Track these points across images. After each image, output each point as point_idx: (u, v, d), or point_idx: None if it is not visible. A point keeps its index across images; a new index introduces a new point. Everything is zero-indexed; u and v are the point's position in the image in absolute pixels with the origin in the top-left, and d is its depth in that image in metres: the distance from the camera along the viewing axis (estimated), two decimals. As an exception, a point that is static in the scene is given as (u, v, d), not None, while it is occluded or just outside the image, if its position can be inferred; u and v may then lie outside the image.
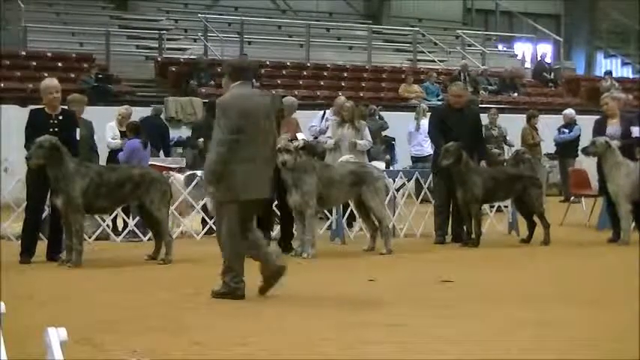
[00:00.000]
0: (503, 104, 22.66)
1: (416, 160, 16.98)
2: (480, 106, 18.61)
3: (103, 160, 12.82)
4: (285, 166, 10.01)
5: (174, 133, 18.39)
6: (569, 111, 19.19)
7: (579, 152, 14.43)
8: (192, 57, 22.46)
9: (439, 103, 20.35)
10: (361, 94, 21.68)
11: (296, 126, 10.85)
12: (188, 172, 12.94)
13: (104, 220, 11.70)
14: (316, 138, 13.79)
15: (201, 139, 12.67)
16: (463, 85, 12.73)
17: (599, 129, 12.06)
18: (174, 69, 21.75)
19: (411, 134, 17.55)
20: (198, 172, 12.65)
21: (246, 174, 7.18)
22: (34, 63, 20.10)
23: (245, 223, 7.31)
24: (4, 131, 16.13)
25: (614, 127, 12.08)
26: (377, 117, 16.76)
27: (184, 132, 18.53)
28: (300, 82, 22.38)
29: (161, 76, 22.02)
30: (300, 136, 10.55)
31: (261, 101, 7.49)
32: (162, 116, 18.08)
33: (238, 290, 7.28)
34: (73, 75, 19.74)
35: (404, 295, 7.66)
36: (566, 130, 18.56)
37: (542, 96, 25.14)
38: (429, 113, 15.54)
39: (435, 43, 26.78)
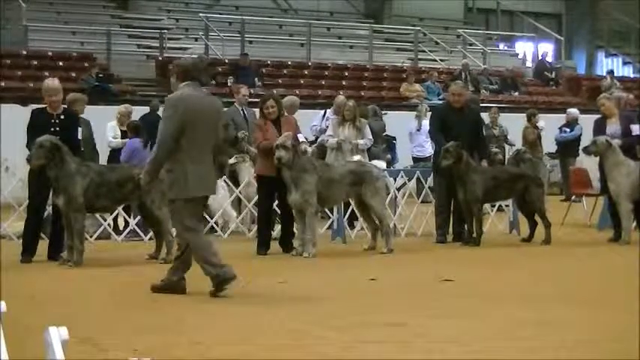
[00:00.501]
0: (504, 103, 22.67)
1: (417, 160, 17.00)
2: (481, 105, 18.61)
3: (103, 160, 12.83)
4: (281, 162, 10.02)
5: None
6: (572, 110, 19.18)
7: (580, 151, 14.42)
8: (192, 56, 22.44)
9: (440, 102, 20.34)
10: (362, 94, 21.69)
11: (295, 125, 10.85)
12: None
13: (105, 220, 11.70)
14: (317, 137, 13.79)
15: None
16: (463, 84, 12.73)
17: (599, 129, 12.06)
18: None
19: (411, 135, 17.56)
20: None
21: (195, 172, 7.35)
22: (35, 62, 20.12)
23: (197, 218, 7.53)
24: (4, 131, 16.11)
25: (613, 126, 12.08)
26: (380, 117, 16.75)
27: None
28: (301, 82, 22.37)
29: (162, 76, 21.97)
30: (300, 137, 10.55)
31: (209, 102, 7.67)
32: (160, 112, 18.02)
33: (180, 285, 7.49)
34: (73, 74, 19.75)
35: (404, 295, 7.67)
36: (568, 130, 18.55)
37: (543, 95, 25.14)
38: (430, 113, 15.56)
39: (436, 43, 26.78)
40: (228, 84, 20.17)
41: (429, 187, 12.57)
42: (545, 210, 11.66)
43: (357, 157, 11.97)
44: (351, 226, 12.46)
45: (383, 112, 16.82)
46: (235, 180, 12.57)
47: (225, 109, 13.10)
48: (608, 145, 11.46)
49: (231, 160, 12.52)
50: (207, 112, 7.51)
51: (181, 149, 7.33)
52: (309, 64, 23.54)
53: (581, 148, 14.45)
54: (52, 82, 9.88)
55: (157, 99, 18.36)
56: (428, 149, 16.33)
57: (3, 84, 18.99)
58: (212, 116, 7.56)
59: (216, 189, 8.02)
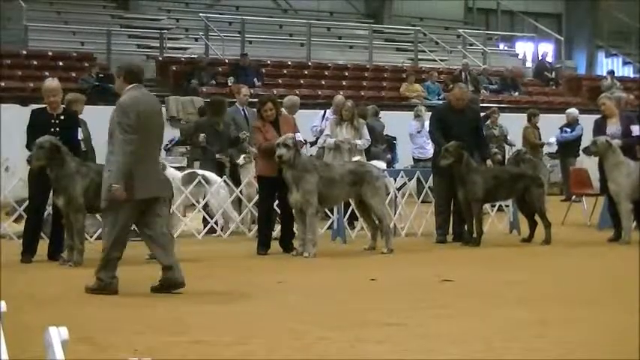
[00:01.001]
0: (504, 103, 22.68)
1: (418, 161, 16.99)
2: (481, 105, 18.62)
3: (102, 160, 12.80)
4: (282, 160, 10.03)
5: (176, 133, 18.39)
6: (572, 110, 19.18)
7: (581, 152, 14.42)
8: (193, 56, 22.46)
9: (440, 102, 20.35)
10: (362, 94, 21.69)
11: (294, 125, 10.87)
12: (188, 171, 12.93)
13: (105, 220, 11.68)
14: (317, 138, 13.79)
15: (203, 135, 12.65)
16: (466, 87, 12.71)
17: (599, 129, 12.07)
18: (175, 68, 21.75)
19: (412, 136, 17.55)
20: (199, 171, 12.66)
21: (144, 173, 7.45)
22: (35, 62, 20.12)
23: (145, 219, 7.60)
24: (4, 131, 16.13)
25: (613, 126, 12.08)
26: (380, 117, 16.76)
27: (185, 132, 18.53)
28: (301, 82, 22.37)
29: (162, 76, 22.02)
30: (298, 136, 10.55)
31: (154, 103, 7.87)
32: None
33: (112, 285, 7.52)
34: (73, 74, 19.75)
35: (404, 295, 7.66)
36: (568, 130, 18.55)
37: (543, 95, 25.14)
38: (428, 113, 15.57)
39: (436, 43, 26.78)
40: (229, 84, 20.18)
41: (429, 187, 12.56)
42: (545, 210, 11.66)
43: (356, 158, 11.98)
44: (351, 226, 12.46)
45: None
46: (238, 180, 12.56)
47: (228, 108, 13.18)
48: (608, 146, 11.46)
49: (240, 161, 12.51)
50: (156, 114, 7.74)
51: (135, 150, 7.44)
52: (309, 64, 23.55)
53: (581, 148, 14.45)
54: (52, 82, 9.88)
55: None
56: (429, 150, 16.33)
57: (3, 84, 18.99)
58: (159, 117, 7.80)
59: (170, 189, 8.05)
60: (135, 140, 7.38)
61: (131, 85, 7.66)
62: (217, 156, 12.70)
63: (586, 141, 13.46)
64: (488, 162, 11.84)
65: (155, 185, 7.61)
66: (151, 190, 7.54)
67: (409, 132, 17.61)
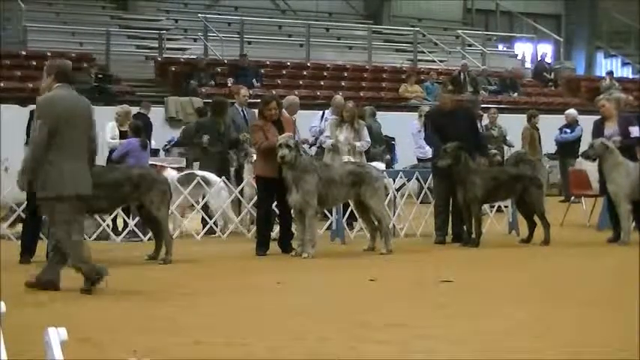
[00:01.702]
0: (504, 104, 22.68)
1: (420, 161, 16.95)
2: (481, 106, 18.64)
3: (102, 160, 12.81)
4: (284, 161, 10.02)
5: (175, 133, 18.39)
6: (572, 111, 19.19)
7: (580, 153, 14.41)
8: (192, 57, 22.46)
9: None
10: (361, 94, 21.69)
11: (294, 125, 10.86)
12: (186, 172, 12.92)
13: (104, 220, 11.69)
14: (316, 139, 13.78)
15: (207, 136, 12.64)
16: (451, 90, 12.68)
17: (598, 131, 12.08)
18: (174, 69, 21.76)
19: (413, 135, 17.53)
20: (197, 172, 12.66)
21: (68, 171, 7.50)
22: (34, 63, 20.09)
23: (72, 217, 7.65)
24: (4, 131, 16.12)
25: (611, 128, 12.08)
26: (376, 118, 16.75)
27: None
28: (300, 82, 22.38)
29: (161, 76, 22.03)
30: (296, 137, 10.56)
31: (81, 103, 7.85)
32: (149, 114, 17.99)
33: (53, 282, 7.65)
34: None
35: (404, 295, 7.66)
36: (568, 130, 18.55)
37: (542, 96, 25.15)
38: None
39: (435, 43, 26.78)
40: (228, 85, 20.18)
41: (429, 188, 12.56)
42: (544, 211, 11.66)
43: (347, 157, 11.91)
44: (350, 226, 12.45)
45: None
46: (242, 181, 12.55)
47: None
48: (605, 147, 11.47)
49: (248, 160, 12.42)
50: (80, 113, 7.73)
51: (55, 149, 7.47)
52: (308, 64, 23.55)
53: (581, 149, 14.45)
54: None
55: (146, 99, 18.42)
56: (429, 150, 16.30)
57: (2, 84, 18.99)
58: (85, 116, 7.78)
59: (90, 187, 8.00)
60: (49, 139, 7.43)
61: (58, 84, 7.70)
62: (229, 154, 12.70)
63: (585, 142, 13.46)
64: (483, 159, 11.82)
65: (81, 183, 7.63)
66: (76, 188, 7.57)
67: (411, 132, 17.61)
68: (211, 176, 12.32)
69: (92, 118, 7.91)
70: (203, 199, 12.32)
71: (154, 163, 13.58)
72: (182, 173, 12.81)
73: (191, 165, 15.05)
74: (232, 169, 12.76)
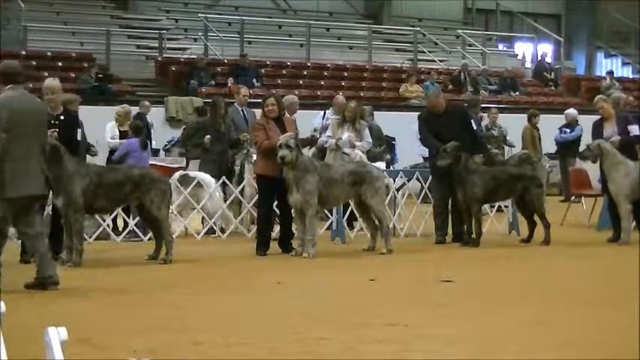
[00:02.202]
0: (504, 104, 22.66)
1: (425, 159, 16.88)
2: (481, 105, 18.59)
3: (102, 160, 12.82)
4: (284, 161, 10.02)
5: (175, 133, 18.38)
6: (572, 111, 19.18)
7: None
8: (192, 57, 22.46)
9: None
10: (361, 94, 21.68)
11: (295, 126, 10.86)
12: (183, 172, 12.91)
13: (104, 220, 11.70)
14: (317, 139, 13.76)
15: (209, 136, 12.63)
16: (439, 91, 12.63)
17: (597, 132, 12.08)
18: (174, 69, 21.76)
19: (416, 134, 17.48)
20: (191, 173, 12.63)
21: (15, 172, 7.52)
22: (34, 63, 20.10)
23: (19, 219, 7.68)
24: (4, 131, 16.09)
25: (610, 129, 12.08)
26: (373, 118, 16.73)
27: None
28: (301, 82, 22.38)
29: (161, 76, 22.03)
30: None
31: (33, 104, 7.91)
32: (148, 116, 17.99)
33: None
34: (73, 75, 19.74)
35: (404, 295, 7.67)
36: (568, 130, 18.55)
37: (542, 96, 25.14)
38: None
39: (436, 43, 26.77)
40: (228, 84, 20.18)
41: (429, 188, 12.55)
42: (544, 210, 11.65)
43: (347, 134, 11.91)
44: (351, 226, 12.45)
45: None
46: (241, 180, 12.53)
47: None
48: (601, 150, 11.48)
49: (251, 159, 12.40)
50: (33, 114, 7.76)
51: (7, 150, 7.49)
52: (309, 64, 23.55)
53: (581, 148, 14.43)
54: (53, 81, 9.98)
55: (146, 100, 18.39)
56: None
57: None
58: (38, 117, 7.82)
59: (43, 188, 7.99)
60: (3, 138, 7.45)
61: (9, 86, 7.74)
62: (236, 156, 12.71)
63: (585, 142, 13.45)
64: (479, 157, 11.81)
65: (33, 184, 7.64)
66: (28, 189, 7.59)
67: (414, 130, 17.54)
68: (206, 177, 12.30)
69: (45, 117, 8.00)
70: (197, 200, 12.26)
71: (153, 163, 13.57)
72: (179, 173, 12.78)
73: (188, 164, 15.02)
74: (237, 169, 12.73)
